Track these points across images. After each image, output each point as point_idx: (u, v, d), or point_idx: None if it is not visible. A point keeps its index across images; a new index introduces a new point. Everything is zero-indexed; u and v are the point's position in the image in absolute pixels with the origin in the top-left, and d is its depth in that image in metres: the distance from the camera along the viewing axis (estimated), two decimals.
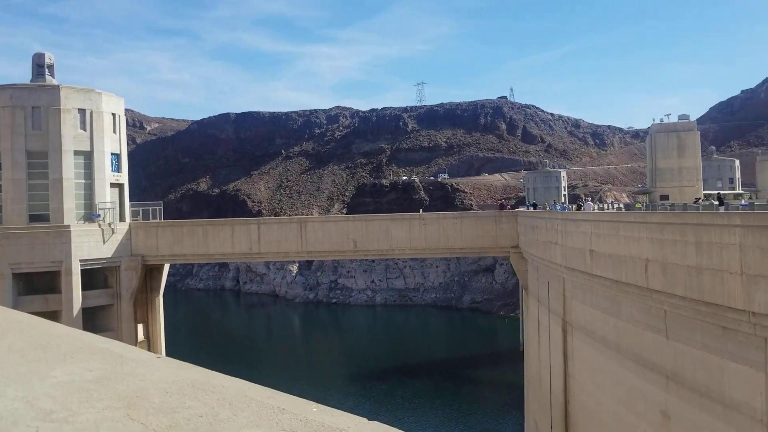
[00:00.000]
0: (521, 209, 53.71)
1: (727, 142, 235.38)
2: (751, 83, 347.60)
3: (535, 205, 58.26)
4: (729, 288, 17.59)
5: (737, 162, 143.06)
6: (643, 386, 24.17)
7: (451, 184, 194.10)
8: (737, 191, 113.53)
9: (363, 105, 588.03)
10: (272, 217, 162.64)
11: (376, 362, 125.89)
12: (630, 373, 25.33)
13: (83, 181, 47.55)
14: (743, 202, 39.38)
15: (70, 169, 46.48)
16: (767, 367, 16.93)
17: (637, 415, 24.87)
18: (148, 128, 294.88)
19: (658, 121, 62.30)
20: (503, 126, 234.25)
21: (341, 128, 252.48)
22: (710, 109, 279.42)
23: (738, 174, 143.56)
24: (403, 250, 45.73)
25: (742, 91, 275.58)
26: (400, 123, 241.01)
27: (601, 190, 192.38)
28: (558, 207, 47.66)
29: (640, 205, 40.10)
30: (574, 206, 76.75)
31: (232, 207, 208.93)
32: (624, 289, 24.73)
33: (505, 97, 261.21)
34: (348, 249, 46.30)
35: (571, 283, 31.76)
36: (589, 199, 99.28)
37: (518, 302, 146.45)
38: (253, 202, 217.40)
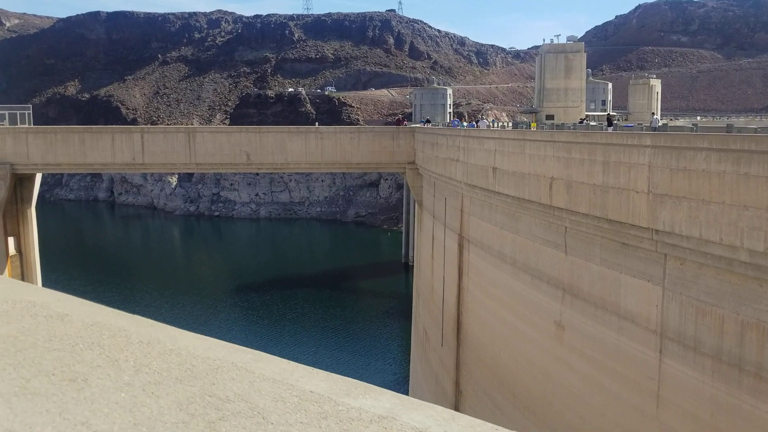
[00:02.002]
0: (417, 125, 53.63)
1: (600, 66, 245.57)
2: (625, 9, 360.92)
3: (428, 121, 58.38)
4: (634, 206, 18.28)
5: (610, 85, 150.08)
6: (538, 298, 25.25)
7: (339, 98, 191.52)
8: (609, 113, 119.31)
9: (246, 10, 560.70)
10: (157, 125, 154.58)
11: (260, 275, 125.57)
12: (525, 286, 26.35)
13: None
14: (629, 123, 41.24)
15: None
16: (665, 281, 17.94)
17: (530, 324, 26.07)
18: (8, 24, 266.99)
19: (549, 42, 63.59)
20: (391, 40, 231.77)
21: (223, 34, 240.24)
22: (586, 33, 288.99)
23: (610, 96, 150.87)
24: (299, 165, 44.58)
25: (616, 17, 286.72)
26: (286, 32, 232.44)
27: (482, 108, 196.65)
28: (466, 124, 47.83)
29: (535, 125, 41.04)
30: (466, 124, 77.81)
31: (105, 114, 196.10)
32: (525, 206, 25.33)
33: (393, 10, 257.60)
34: (241, 162, 44.56)
35: (469, 200, 32.26)
36: (484, 117, 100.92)
37: (401, 216, 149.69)
38: (128, 109, 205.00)
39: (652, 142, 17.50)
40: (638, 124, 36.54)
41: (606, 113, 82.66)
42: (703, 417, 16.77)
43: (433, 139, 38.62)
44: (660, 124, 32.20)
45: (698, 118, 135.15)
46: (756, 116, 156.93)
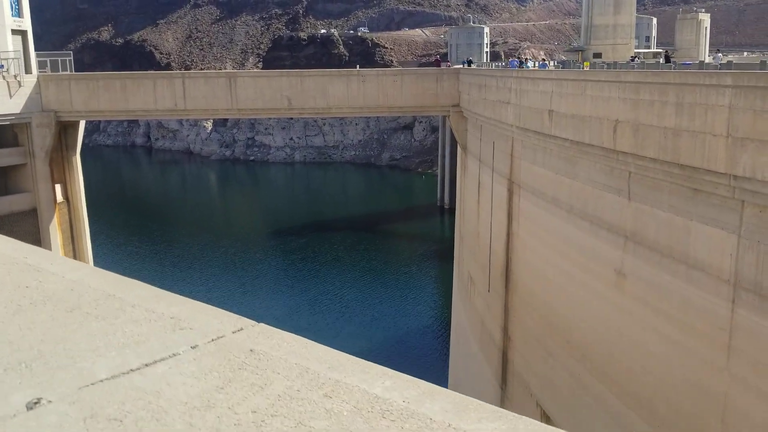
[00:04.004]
0: (458, 66, 52.18)
1: (642, 0, 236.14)
2: None
3: (470, 62, 56.74)
4: (710, 151, 17.34)
5: (654, 20, 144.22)
6: (596, 245, 24.57)
7: (372, 39, 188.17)
8: (654, 50, 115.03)
9: None
10: (198, 71, 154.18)
11: (296, 218, 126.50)
12: (583, 233, 25.65)
13: None
14: (687, 61, 39.55)
15: None
16: (741, 229, 17.13)
17: (587, 272, 25.47)
18: None
19: None
20: None
21: None
22: None
23: (655, 32, 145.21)
24: (341, 109, 43.80)
25: None
26: None
27: (520, 47, 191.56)
28: (530, 64, 46.27)
29: (587, 64, 39.47)
30: (494, 64, 75.68)
31: (139, 59, 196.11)
32: (585, 151, 24.41)
33: None
34: (282, 107, 43.95)
35: (521, 144, 31.34)
36: (524, 57, 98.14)
37: (436, 159, 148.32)
38: (161, 53, 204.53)
39: (733, 82, 16.44)
40: (699, 61, 34.86)
41: (656, 50, 79.53)
42: None
43: (480, 81, 37.42)
44: (723, 61, 30.62)
45: (745, 53, 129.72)
46: None
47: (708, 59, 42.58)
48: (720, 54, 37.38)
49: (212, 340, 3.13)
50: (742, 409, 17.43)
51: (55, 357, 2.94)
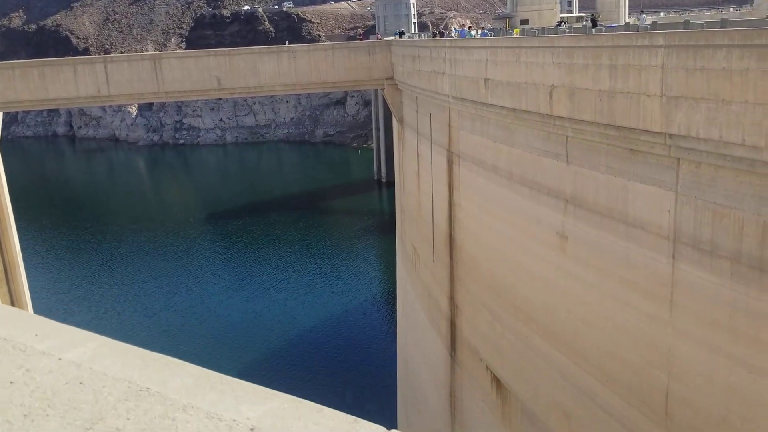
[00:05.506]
0: (392, 38, 51.79)
1: None
2: None
3: (402, 33, 56.45)
4: (645, 111, 17.67)
5: None
6: (538, 210, 24.92)
7: (298, 14, 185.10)
8: (577, 14, 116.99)
9: None
10: (121, 54, 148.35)
11: (232, 201, 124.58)
12: (523, 199, 25.98)
13: None
14: (613, 24, 40.32)
15: None
16: (678, 186, 17.59)
17: (530, 237, 25.86)
18: None
19: None
20: None
21: None
22: None
23: None
24: (273, 87, 42.93)
25: None
26: None
27: (446, 17, 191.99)
28: (477, 32, 46.11)
29: (518, 30, 39.79)
30: (424, 34, 75.70)
31: (55, 45, 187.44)
32: (522, 117, 24.59)
33: None
34: (211, 88, 42.76)
35: (458, 114, 31.39)
36: (467, 27, 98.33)
37: (371, 133, 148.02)
38: (78, 38, 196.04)
39: (665, 42, 16.72)
40: (626, 23, 35.51)
41: (579, 14, 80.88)
42: (721, 319, 16.81)
43: (413, 52, 37.19)
44: (648, 23, 31.27)
45: (661, 14, 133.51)
46: (719, 9, 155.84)
47: (632, 20, 43.64)
48: (644, 15, 38.29)
49: None
50: (687, 361, 18.08)
51: None
